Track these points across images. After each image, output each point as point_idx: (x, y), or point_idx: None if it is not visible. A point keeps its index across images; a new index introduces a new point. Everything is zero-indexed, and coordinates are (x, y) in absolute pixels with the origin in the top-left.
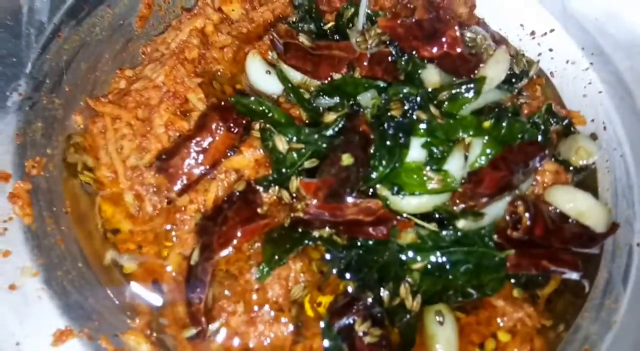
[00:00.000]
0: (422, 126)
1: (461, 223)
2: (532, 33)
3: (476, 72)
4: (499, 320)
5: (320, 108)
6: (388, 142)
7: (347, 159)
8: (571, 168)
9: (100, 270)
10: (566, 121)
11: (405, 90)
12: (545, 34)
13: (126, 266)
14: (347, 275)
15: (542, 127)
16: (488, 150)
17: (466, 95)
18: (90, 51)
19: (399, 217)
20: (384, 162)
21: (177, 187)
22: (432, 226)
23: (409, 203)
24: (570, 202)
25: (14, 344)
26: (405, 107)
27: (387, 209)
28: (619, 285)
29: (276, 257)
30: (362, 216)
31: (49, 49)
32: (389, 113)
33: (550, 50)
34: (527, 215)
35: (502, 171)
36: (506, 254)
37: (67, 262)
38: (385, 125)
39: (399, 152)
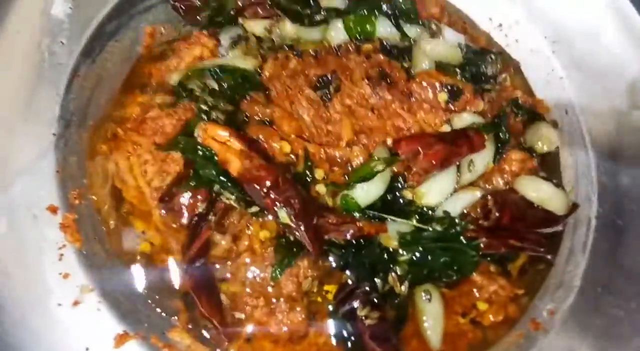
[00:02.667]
0: None
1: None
2: (500, 25)
3: None
4: (477, 292)
5: None
6: None
7: None
8: (534, 154)
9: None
10: (531, 110)
11: None
12: (511, 26)
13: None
14: (347, 270)
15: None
16: None
17: None
18: (106, 84)
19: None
20: None
21: (185, 220)
22: (412, 222)
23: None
24: (535, 191)
25: (84, 348)
26: None
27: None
28: (579, 253)
29: (285, 261)
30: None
31: (71, 89)
32: None
33: (516, 41)
34: (495, 207)
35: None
36: (477, 244)
37: (116, 277)
38: None
39: None
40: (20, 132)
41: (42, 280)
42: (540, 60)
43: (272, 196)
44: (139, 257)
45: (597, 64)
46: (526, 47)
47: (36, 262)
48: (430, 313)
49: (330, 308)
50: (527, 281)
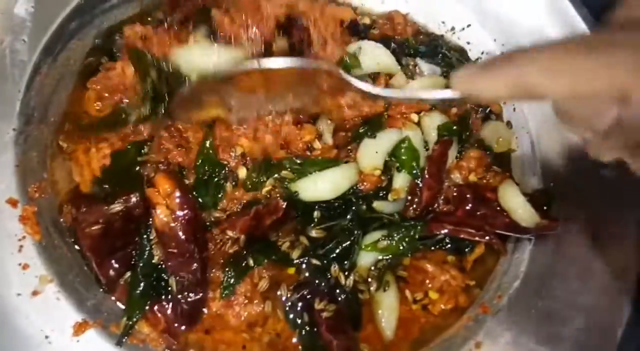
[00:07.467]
0: None
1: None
2: (452, 29)
3: None
4: (428, 282)
5: None
6: None
7: None
8: (488, 152)
9: None
10: (488, 109)
11: None
12: (463, 29)
13: None
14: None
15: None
16: None
17: None
18: (68, 81)
19: None
20: None
21: None
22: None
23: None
24: (509, 198)
25: (43, 337)
26: None
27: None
28: (525, 240)
29: (232, 282)
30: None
31: (33, 86)
32: None
33: (468, 43)
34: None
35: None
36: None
37: (75, 268)
38: None
39: None
40: None
41: (2, 270)
42: None
43: (170, 263)
44: None
45: None
46: (477, 50)
47: None
48: (385, 304)
49: (288, 302)
50: (479, 272)
